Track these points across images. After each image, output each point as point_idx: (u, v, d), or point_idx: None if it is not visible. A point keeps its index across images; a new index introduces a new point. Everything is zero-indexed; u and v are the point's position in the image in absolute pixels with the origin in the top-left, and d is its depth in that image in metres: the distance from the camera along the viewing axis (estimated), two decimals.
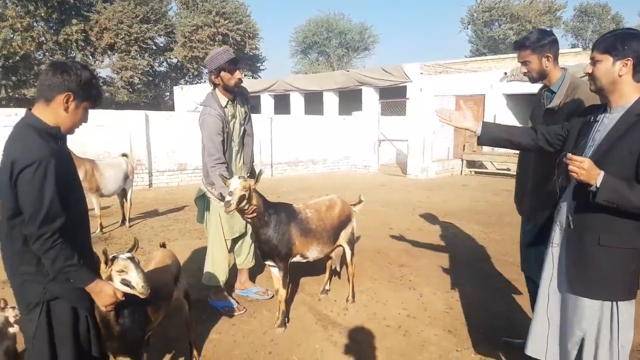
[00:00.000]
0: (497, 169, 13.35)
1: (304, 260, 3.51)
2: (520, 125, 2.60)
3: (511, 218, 7.11)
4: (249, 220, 3.13)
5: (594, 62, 1.98)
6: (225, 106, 3.42)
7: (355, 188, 9.88)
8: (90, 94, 1.95)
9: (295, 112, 18.57)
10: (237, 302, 3.71)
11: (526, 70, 2.68)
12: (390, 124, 15.11)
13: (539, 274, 2.29)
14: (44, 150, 1.78)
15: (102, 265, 1.99)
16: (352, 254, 3.78)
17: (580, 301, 2.03)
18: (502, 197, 9.08)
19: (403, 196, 9.42)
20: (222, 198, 3.11)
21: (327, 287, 4.01)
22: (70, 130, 1.99)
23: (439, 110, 2.53)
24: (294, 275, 4.16)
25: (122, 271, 1.98)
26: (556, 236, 2.18)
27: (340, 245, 3.73)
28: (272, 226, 3.19)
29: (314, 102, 18.62)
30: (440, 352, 3.09)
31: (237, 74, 3.33)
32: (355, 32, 38.90)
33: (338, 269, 4.13)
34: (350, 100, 17.76)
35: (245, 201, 2.94)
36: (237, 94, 3.51)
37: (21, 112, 8.85)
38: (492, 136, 2.50)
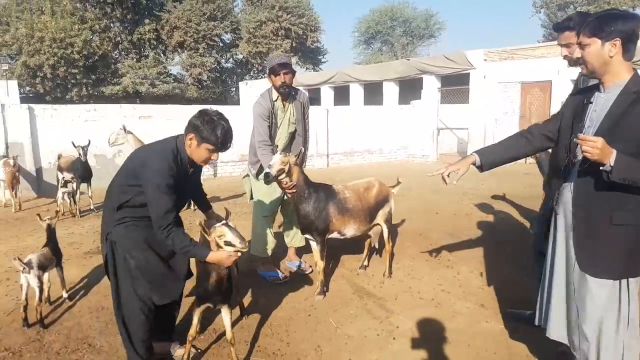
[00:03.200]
0: None
1: (342, 237, 3.81)
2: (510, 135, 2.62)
3: None
4: (289, 195, 3.49)
5: (582, 46, 2.05)
6: (275, 100, 3.86)
7: (408, 175, 9.96)
8: (210, 139, 2.43)
9: (355, 103, 18.76)
10: (282, 273, 4.10)
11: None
12: (451, 112, 14.87)
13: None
14: (168, 168, 2.40)
15: (206, 236, 2.49)
16: (389, 233, 4.03)
17: (594, 282, 2.08)
18: None
19: (458, 184, 9.35)
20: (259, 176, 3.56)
21: (365, 263, 4.28)
22: (198, 162, 2.57)
23: (431, 176, 2.66)
24: (335, 252, 4.49)
25: (222, 235, 2.44)
26: (560, 220, 2.23)
27: (378, 224, 3.98)
28: (311, 203, 3.52)
29: (373, 92, 18.70)
30: (470, 322, 3.27)
31: (281, 77, 3.72)
32: (420, 19, 38.02)
33: (376, 246, 4.37)
34: (411, 89, 17.63)
35: (284, 174, 3.31)
36: (292, 96, 3.91)
37: (100, 107, 9.95)
38: (491, 161, 2.48)
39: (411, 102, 14.81)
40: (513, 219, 6.18)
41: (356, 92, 19.08)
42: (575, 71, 2.72)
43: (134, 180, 2.45)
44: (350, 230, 3.76)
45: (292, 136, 4.04)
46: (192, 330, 2.72)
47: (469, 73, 14.58)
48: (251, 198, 4.17)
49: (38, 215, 3.66)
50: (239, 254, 2.44)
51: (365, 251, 4.31)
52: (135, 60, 26.84)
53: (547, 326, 2.35)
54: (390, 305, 3.57)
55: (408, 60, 17.72)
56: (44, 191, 8.63)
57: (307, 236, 3.68)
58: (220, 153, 2.53)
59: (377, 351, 2.94)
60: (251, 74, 31.77)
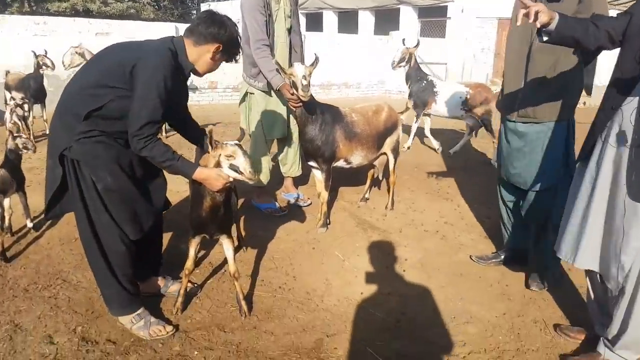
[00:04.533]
0: None
1: (347, 166, 3.57)
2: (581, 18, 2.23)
3: None
4: (295, 109, 3.14)
5: None
6: None
7: None
8: (232, 51, 2.20)
9: (328, 32, 17.94)
10: (279, 204, 3.87)
11: None
12: (428, 46, 14.43)
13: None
14: (169, 67, 2.02)
15: (210, 148, 2.11)
16: (395, 163, 3.82)
17: None
18: None
19: (441, 120, 9.23)
20: (269, 88, 3.16)
21: (366, 196, 4.11)
22: (203, 74, 2.27)
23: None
24: (333, 184, 4.26)
25: (231, 156, 2.08)
26: (609, 150, 2.02)
27: (384, 153, 3.76)
28: (317, 125, 3.21)
29: (348, 22, 17.86)
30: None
31: None
32: None
33: (380, 177, 4.17)
34: (386, 21, 16.92)
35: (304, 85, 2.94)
36: None
37: (51, 21, 8.80)
38: (564, 31, 1.98)
39: (390, 33, 14.23)
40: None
41: (330, 20, 18.18)
42: (558, 7, 2.47)
43: (115, 80, 2.01)
44: (357, 158, 3.51)
45: (289, 34, 3.54)
46: (189, 263, 2.45)
47: (447, 6, 14.06)
48: (244, 122, 3.78)
49: (9, 131, 3.19)
50: (231, 179, 2.12)
51: (368, 182, 4.12)
52: None
53: (577, 255, 2.26)
54: (396, 237, 3.45)
55: None
56: None
57: (312, 164, 3.40)
58: None
59: (388, 284, 2.82)
60: None
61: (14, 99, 6.03)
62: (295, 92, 2.99)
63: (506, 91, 2.80)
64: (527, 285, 2.78)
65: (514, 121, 2.74)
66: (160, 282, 2.64)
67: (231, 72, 9.34)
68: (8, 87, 6.19)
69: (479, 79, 12.91)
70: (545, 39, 1.96)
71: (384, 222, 3.73)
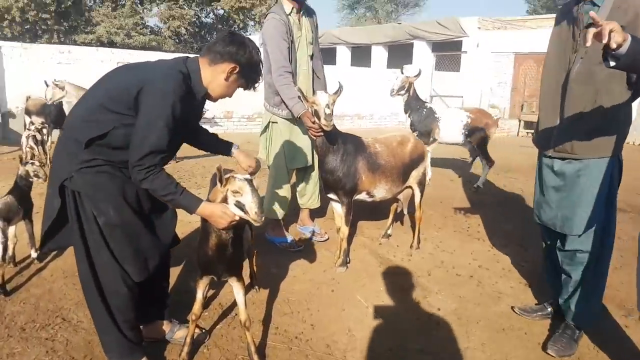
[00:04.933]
0: None
1: (370, 200, 3.24)
2: None
3: None
4: (315, 138, 2.91)
5: None
6: (289, 14, 3.15)
7: None
8: (250, 76, 1.99)
9: (341, 65, 17.95)
10: (294, 239, 3.52)
11: None
12: (442, 79, 14.34)
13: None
14: (180, 91, 1.80)
15: (218, 185, 1.85)
16: (422, 197, 3.48)
17: None
18: None
19: (458, 153, 8.94)
20: (292, 116, 2.93)
21: (389, 232, 3.75)
22: (216, 99, 2.04)
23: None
24: (353, 218, 3.91)
25: (237, 192, 1.80)
26: None
27: (410, 187, 3.43)
28: (339, 156, 2.95)
29: (361, 56, 17.88)
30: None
31: None
32: None
33: (405, 213, 3.81)
34: (400, 56, 16.90)
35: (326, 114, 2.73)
36: (305, 5, 3.25)
37: (75, 50, 8.86)
38: (635, 58, 1.66)
39: (403, 67, 14.13)
40: (531, 189, 5.74)
41: (343, 55, 18.24)
42: None
43: (120, 105, 1.79)
44: (381, 191, 3.19)
45: (311, 60, 3.34)
46: (196, 308, 2.14)
47: (461, 41, 14.02)
48: (263, 153, 3.52)
49: (20, 157, 3.00)
50: (237, 217, 1.84)
51: (390, 217, 3.76)
52: (110, 9, 25.00)
53: None
54: (424, 281, 3.06)
55: (399, 24, 16.95)
56: (9, 139, 7.70)
57: (331, 196, 3.10)
58: None
59: (420, 338, 2.42)
60: (232, 30, 30.16)
61: (33, 124, 6.01)
62: (317, 120, 2.76)
63: (542, 126, 2.47)
64: (544, 349, 2.33)
65: (550, 157, 2.41)
66: (166, 326, 2.31)
67: (247, 102, 9.24)
68: (28, 112, 6.24)
69: (497, 113, 12.73)
70: (612, 64, 1.66)
71: (409, 262, 3.35)
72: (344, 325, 2.52)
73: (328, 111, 2.69)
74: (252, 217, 1.80)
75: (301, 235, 3.70)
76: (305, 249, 3.44)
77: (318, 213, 4.13)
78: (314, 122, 2.81)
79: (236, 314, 2.58)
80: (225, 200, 1.85)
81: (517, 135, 12.64)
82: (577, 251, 2.33)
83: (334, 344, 2.34)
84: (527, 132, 12.61)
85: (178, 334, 2.28)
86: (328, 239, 3.63)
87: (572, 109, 2.26)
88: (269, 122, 3.35)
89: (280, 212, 3.42)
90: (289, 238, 3.47)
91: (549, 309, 2.65)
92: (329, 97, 2.74)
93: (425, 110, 5.67)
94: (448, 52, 14.17)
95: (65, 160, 1.86)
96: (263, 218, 1.81)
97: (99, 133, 1.80)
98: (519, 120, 12.67)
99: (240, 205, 1.81)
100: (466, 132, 5.54)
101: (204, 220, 1.97)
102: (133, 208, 1.93)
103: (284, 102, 3.12)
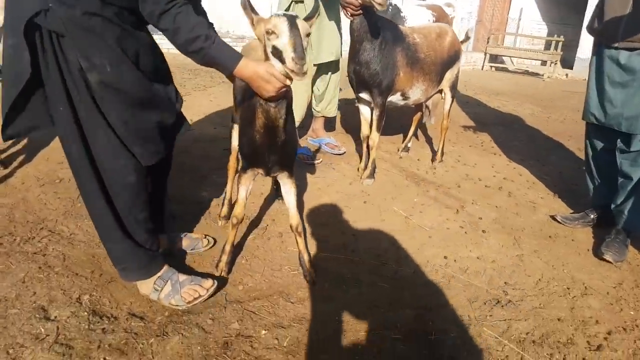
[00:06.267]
0: (516, 68, 12.39)
1: (402, 103, 2.93)
2: None
3: (563, 102, 6.61)
4: (353, 18, 2.39)
5: None
6: None
7: None
8: None
9: None
10: (310, 149, 3.21)
11: None
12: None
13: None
14: None
15: (249, 21, 1.39)
16: (452, 104, 3.20)
17: None
18: (545, 85, 8.49)
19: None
20: None
21: (409, 145, 3.50)
22: None
23: None
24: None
25: (273, 32, 1.31)
26: None
27: (441, 90, 3.13)
28: (377, 45, 2.49)
29: None
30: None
31: None
32: None
33: (432, 122, 3.55)
34: None
35: None
36: None
37: None
38: None
39: None
40: (524, 112, 5.66)
41: None
42: None
43: None
44: (417, 91, 2.84)
45: None
46: (238, 210, 1.81)
47: None
48: None
49: None
50: (289, 82, 1.41)
51: (412, 128, 3.50)
52: None
53: None
54: (456, 193, 2.90)
55: None
56: None
57: (363, 95, 2.73)
58: None
59: (473, 247, 2.27)
60: None
61: None
62: None
63: (608, 16, 2.23)
64: (598, 254, 2.24)
65: (616, 48, 2.20)
66: (169, 238, 1.96)
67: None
68: None
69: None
70: None
71: (434, 175, 3.16)
72: (387, 235, 2.31)
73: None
74: (290, 66, 1.30)
75: (315, 147, 3.39)
76: (324, 162, 3.16)
77: (331, 127, 3.83)
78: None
79: (268, 224, 2.32)
80: (265, 50, 1.39)
81: (482, 69, 12.48)
82: None
83: (383, 254, 2.14)
84: (491, 66, 12.38)
85: (184, 243, 1.98)
86: (344, 152, 3.34)
87: None
88: (291, 1, 2.77)
89: (297, 118, 3.04)
90: (308, 149, 3.15)
91: (591, 216, 2.57)
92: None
93: (391, 7, 5.14)
94: None
95: None
96: (305, 69, 1.31)
97: None
98: (485, 54, 12.46)
99: (278, 54, 1.34)
100: None
101: (244, 98, 1.58)
102: (134, 66, 1.42)
103: None
